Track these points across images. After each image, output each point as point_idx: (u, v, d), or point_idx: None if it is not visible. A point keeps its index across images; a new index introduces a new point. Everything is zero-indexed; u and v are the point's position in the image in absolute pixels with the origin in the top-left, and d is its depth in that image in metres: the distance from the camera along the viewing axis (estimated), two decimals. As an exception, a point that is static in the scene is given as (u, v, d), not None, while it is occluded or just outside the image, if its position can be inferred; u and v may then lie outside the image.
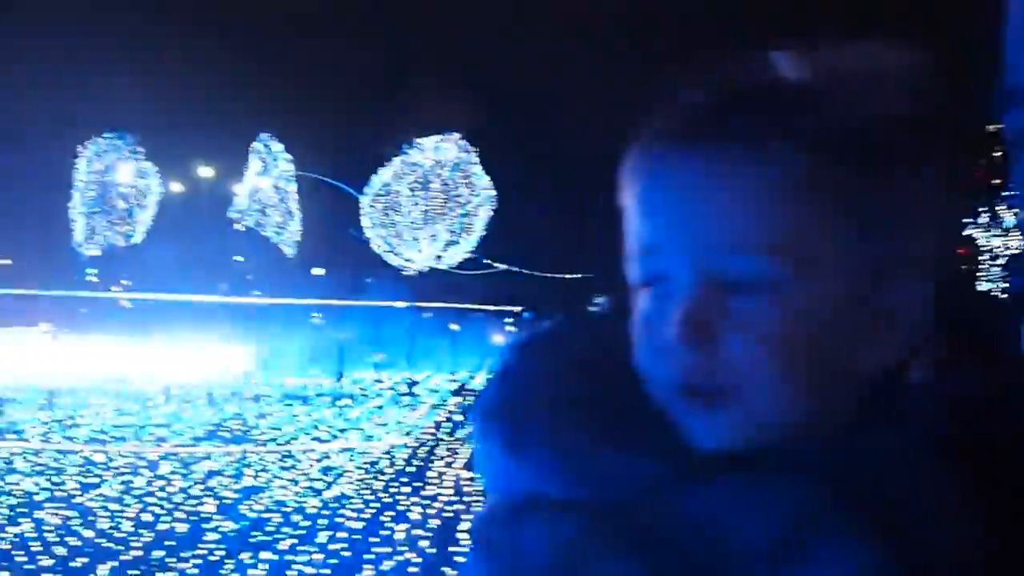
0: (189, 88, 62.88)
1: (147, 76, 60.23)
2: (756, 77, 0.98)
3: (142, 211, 55.58)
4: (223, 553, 11.70)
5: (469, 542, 1.01)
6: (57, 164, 55.93)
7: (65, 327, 40.99)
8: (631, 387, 0.99)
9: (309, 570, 11.13)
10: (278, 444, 18.85)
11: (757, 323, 0.93)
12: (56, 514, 13.16)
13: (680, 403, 0.97)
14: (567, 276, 58.90)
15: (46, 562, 11.14)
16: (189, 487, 15.09)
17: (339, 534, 12.69)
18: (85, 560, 11.23)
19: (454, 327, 36.15)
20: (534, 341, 1.07)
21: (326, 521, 13.33)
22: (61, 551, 11.59)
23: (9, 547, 11.61)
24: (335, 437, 19.93)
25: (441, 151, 55.08)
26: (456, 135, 56.23)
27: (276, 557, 11.55)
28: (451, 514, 14.03)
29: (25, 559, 11.16)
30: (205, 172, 56.74)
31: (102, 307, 49.48)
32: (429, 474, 16.61)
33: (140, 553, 11.60)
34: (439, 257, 56.69)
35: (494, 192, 57.38)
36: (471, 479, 16.34)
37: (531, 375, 1.02)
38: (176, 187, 56.06)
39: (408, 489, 15.46)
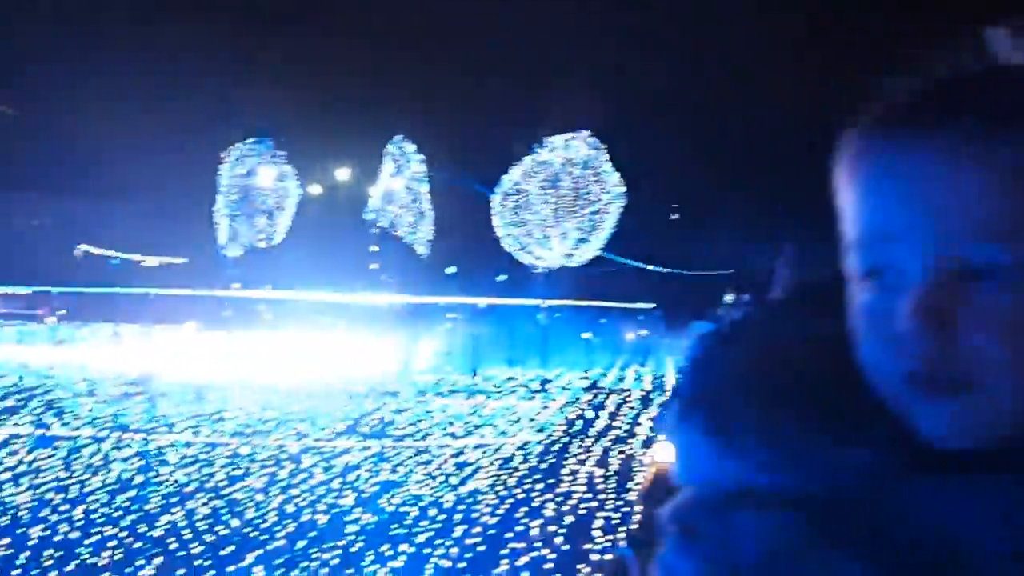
0: (325, 93, 64.75)
1: (286, 82, 62.30)
2: (992, 57, 0.93)
3: (282, 213, 57.56)
4: (362, 545, 11.96)
5: (668, 530, 0.96)
6: (201, 169, 58.50)
7: (211, 325, 42.81)
8: (846, 376, 0.94)
9: (445, 563, 11.26)
10: (414, 440, 19.16)
11: (999, 311, 0.88)
12: (206, 504, 13.71)
13: (913, 393, 0.91)
14: (701, 273, 57.97)
15: (197, 549, 11.62)
16: (330, 480, 15.49)
17: (474, 529, 12.80)
18: (232, 548, 11.66)
19: (586, 335, 36.07)
20: (732, 329, 1.05)
21: (461, 516, 13.46)
22: (210, 539, 12.07)
23: (162, 534, 12.16)
24: (469, 433, 20.12)
25: (571, 149, 55.04)
26: (586, 133, 56.08)
27: (413, 550, 11.73)
28: (585, 511, 13.98)
29: (177, 546, 11.67)
30: (341, 174, 58.38)
31: (246, 306, 51.47)
32: (562, 471, 16.59)
33: (284, 543, 11.98)
34: (570, 255, 56.67)
35: (624, 189, 56.98)
36: (604, 477, 16.24)
37: (734, 363, 1.00)
38: (314, 189, 57.87)
39: (541, 486, 15.48)
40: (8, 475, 14.98)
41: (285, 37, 64.35)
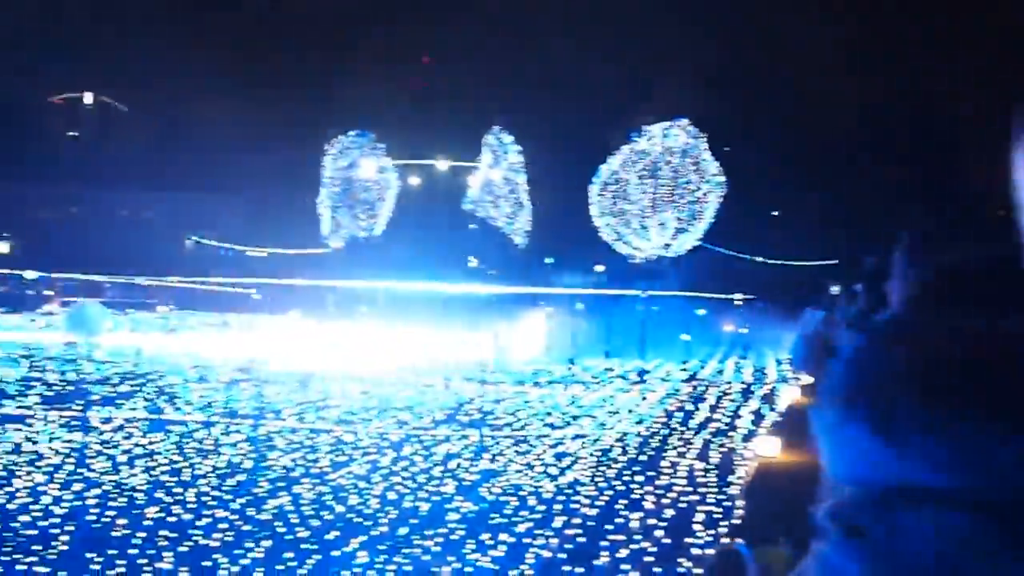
0: (424, 85, 65.40)
1: (386, 76, 63.12)
2: None
3: (382, 205, 58.43)
4: (463, 532, 12.07)
5: (830, 527, 0.92)
6: (305, 162, 59.77)
7: (315, 315, 43.73)
8: (1018, 370, 0.88)
9: (546, 554, 11.28)
10: (512, 429, 19.23)
11: None
12: (311, 489, 14.02)
13: None
14: (802, 263, 56.65)
15: (303, 534, 11.90)
16: (430, 468, 15.66)
17: (574, 520, 12.79)
18: (337, 534, 11.90)
19: (685, 328, 35.63)
20: (889, 326, 1.01)
21: (561, 506, 13.46)
22: (316, 523, 12.34)
23: (270, 518, 12.49)
24: (568, 424, 20.10)
25: (670, 137, 54.42)
26: (685, 121, 55.33)
27: (514, 539, 11.78)
28: (686, 505, 13.83)
29: (284, 530, 11.97)
30: (440, 166, 58.91)
31: (348, 296, 52.43)
32: (662, 464, 16.44)
33: (386, 529, 12.17)
34: (668, 245, 56.05)
35: (723, 178, 56.04)
36: (704, 470, 16.04)
37: (896, 360, 0.95)
38: (413, 180, 58.57)
39: (641, 478, 15.37)
40: (124, 458, 15.58)
41: (385, 31, 65.18)
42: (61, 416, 18.83)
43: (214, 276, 52.48)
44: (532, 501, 13.78)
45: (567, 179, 58.33)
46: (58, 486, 13.65)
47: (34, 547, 10.94)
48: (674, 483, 15.11)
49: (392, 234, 56.42)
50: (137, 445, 16.56)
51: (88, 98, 78.31)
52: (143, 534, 11.52)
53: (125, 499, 13.14)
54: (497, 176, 54.97)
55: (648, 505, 13.73)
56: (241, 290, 50.18)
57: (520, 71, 64.18)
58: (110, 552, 10.73)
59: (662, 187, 54.90)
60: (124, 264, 53.49)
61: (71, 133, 79.01)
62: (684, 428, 20.06)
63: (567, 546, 11.64)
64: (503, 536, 11.92)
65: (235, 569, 10.43)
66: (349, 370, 28.44)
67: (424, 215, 57.50)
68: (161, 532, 11.64)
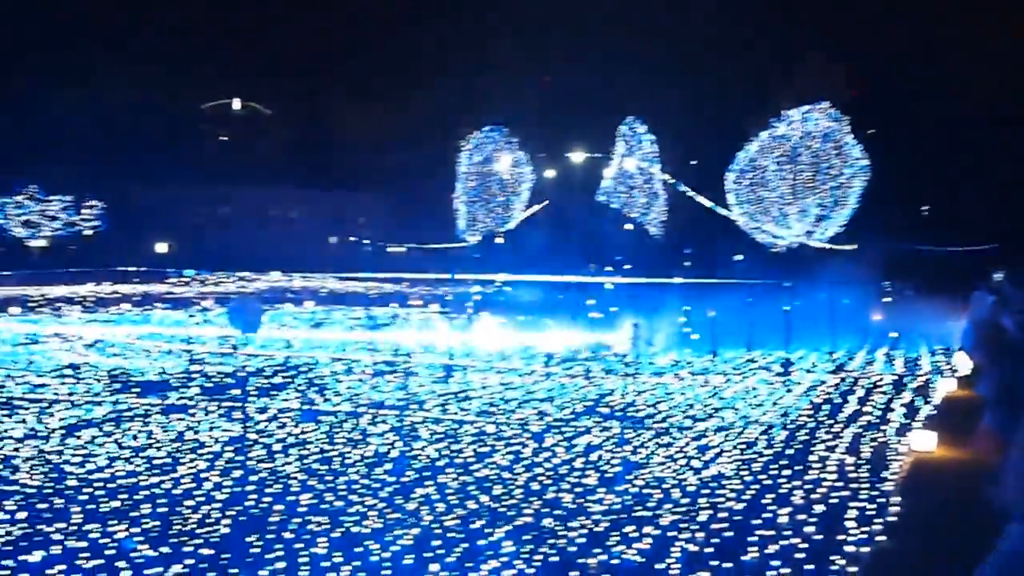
0: (557, 77, 65.47)
1: (519, 69, 63.50)
2: None
3: (518, 198, 58.86)
4: (607, 524, 12.05)
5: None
6: (441, 158, 60.77)
7: (453, 308, 44.43)
8: None
9: (692, 548, 11.14)
10: (654, 421, 19.08)
11: None
12: (456, 479, 14.27)
13: None
14: (956, 248, 54.06)
15: (450, 521, 12.12)
16: (572, 460, 15.70)
17: (720, 514, 12.58)
18: (482, 523, 12.08)
19: (830, 307, 34.49)
20: None
21: (706, 500, 13.27)
22: (461, 512, 12.56)
23: (416, 507, 12.78)
24: (710, 416, 19.80)
25: (810, 122, 52.84)
26: (826, 104, 53.62)
27: (659, 532, 11.69)
28: (837, 500, 13.41)
29: (431, 519, 12.22)
30: (574, 157, 58.92)
31: (485, 290, 53.07)
32: (811, 458, 16.00)
33: (531, 520, 12.27)
34: (809, 232, 54.44)
35: (867, 162, 53.94)
36: (855, 464, 15.52)
37: None
38: (548, 173, 58.77)
39: (789, 472, 14.99)
40: (279, 446, 16.22)
41: (515, 26, 65.58)
42: (220, 406, 19.76)
43: (355, 271, 54.00)
44: (676, 494, 13.64)
45: (703, 167, 57.40)
46: (218, 473, 14.34)
47: (198, 531, 11.52)
48: (823, 478, 14.68)
49: (527, 227, 56.76)
50: (290, 434, 17.22)
51: (236, 103, 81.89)
52: (298, 520, 11.98)
53: (280, 486, 13.68)
54: (631, 166, 54.57)
55: (797, 500, 13.39)
56: (384, 285, 51.47)
57: (652, 58, 63.46)
58: (268, 537, 11.20)
59: (802, 173, 53.41)
60: (273, 261, 55.66)
61: (221, 137, 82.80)
62: (832, 421, 19.47)
63: (713, 540, 11.46)
64: (647, 529, 11.85)
65: (386, 555, 10.72)
66: (489, 361, 28.81)
67: (559, 207, 57.61)
68: (315, 518, 12.07)
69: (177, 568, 10.04)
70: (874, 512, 12.72)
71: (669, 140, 58.28)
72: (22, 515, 11.94)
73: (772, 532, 11.76)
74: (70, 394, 20.94)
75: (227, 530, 11.51)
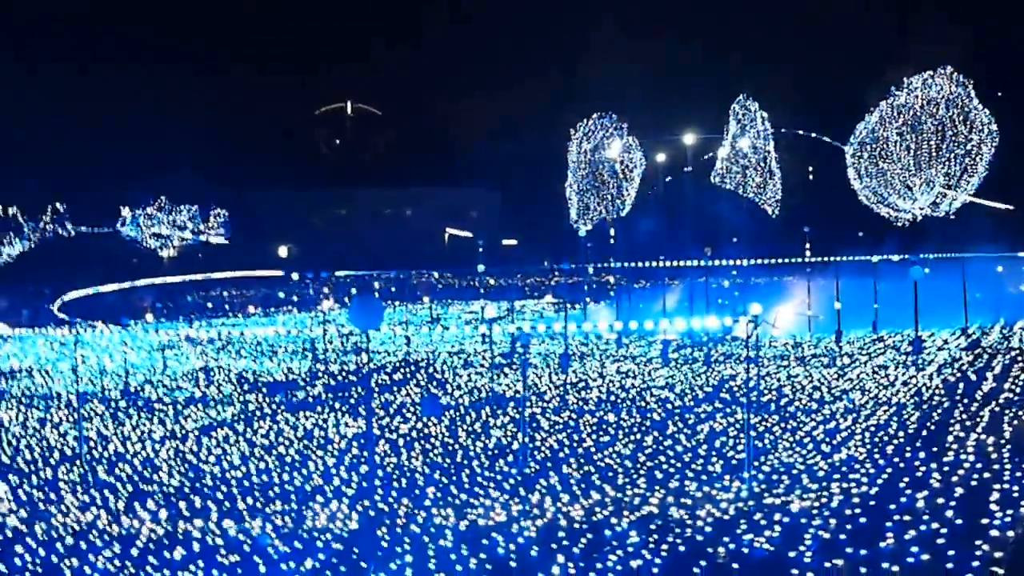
0: (664, 59, 64.52)
1: (625, 53, 62.84)
2: None
3: (629, 184, 58.28)
4: (735, 512, 11.80)
5: None
6: (553, 148, 60.68)
7: (565, 297, 44.30)
8: None
9: (824, 535, 10.79)
10: (779, 406, 18.62)
11: None
12: (579, 469, 14.21)
13: None
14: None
15: (574, 512, 12.08)
16: (696, 447, 15.45)
17: (853, 499, 12.16)
18: (607, 513, 11.99)
19: (961, 282, 32.89)
20: None
21: (837, 485, 12.85)
22: (585, 503, 12.49)
23: (539, 498, 12.75)
24: (837, 399, 19.20)
25: (932, 88, 50.63)
26: (949, 69, 51.29)
27: (788, 519, 11.37)
28: (976, 483, 12.81)
29: (554, 510, 12.20)
30: (686, 139, 57.95)
31: (597, 279, 52.73)
32: (947, 439, 15.33)
33: (656, 509, 12.11)
34: (935, 204, 52.29)
35: (996, 127, 51.45)
36: (995, 445, 14.80)
37: None
38: (659, 157, 57.97)
39: (924, 454, 14.40)
40: (403, 441, 16.47)
41: (619, 10, 64.87)
42: (345, 404, 20.20)
43: (470, 265, 54.45)
44: (805, 480, 13.27)
45: (819, 142, 55.68)
46: (346, 468, 14.64)
47: (329, 526, 11.79)
48: (962, 460, 14.05)
49: (641, 213, 56.17)
50: (414, 428, 17.46)
51: (348, 108, 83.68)
52: (423, 513, 12.12)
53: (406, 480, 13.89)
54: (745, 145, 53.34)
55: (934, 483, 12.84)
56: (497, 280, 51.77)
57: (762, 33, 61.83)
58: (396, 531, 11.37)
59: (926, 142, 51.22)
60: (390, 259, 56.61)
61: (336, 141, 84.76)
62: (969, 400, 18.63)
63: (847, 527, 11.09)
64: (777, 516, 11.55)
65: (512, 547, 10.74)
66: (607, 351, 28.65)
67: (673, 191, 56.80)
68: (440, 512, 12.20)
69: (310, 563, 10.29)
70: (1019, 494, 12.09)
71: (783, 116, 56.74)
72: (163, 514, 12.45)
73: (910, 517, 11.31)
74: (203, 395, 21.75)
75: (356, 525, 11.74)
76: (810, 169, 56.84)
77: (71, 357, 25.50)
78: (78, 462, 15.47)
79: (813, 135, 56.65)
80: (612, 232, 55.61)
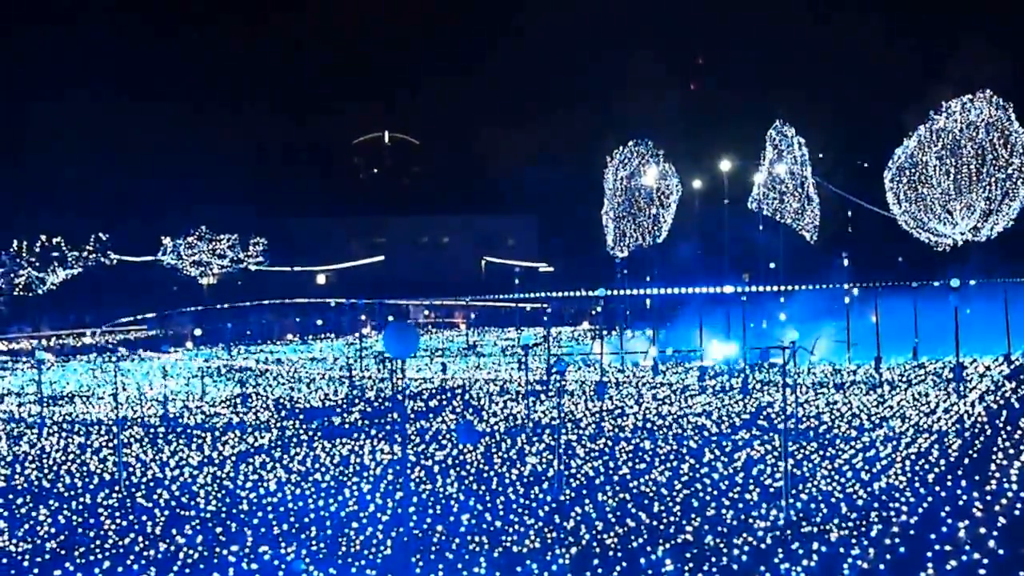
0: (700, 87, 64.61)
1: (661, 82, 62.99)
2: None
3: (666, 211, 58.19)
4: (771, 541, 11.66)
5: None
6: (589, 175, 60.85)
7: (605, 325, 44.18)
8: None
9: (863, 564, 10.64)
10: (816, 432, 18.41)
11: None
12: (614, 497, 14.13)
13: None
14: None
15: (609, 540, 12.00)
16: (733, 475, 15.31)
17: (892, 528, 11.98)
18: (642, 541, 11.90)
19: (1005, 307, 32.33)
20: None
21: (876, 514, 12.67)
22: (620, 531, 12.41)
23: (573, 525, 12.70)
24: (877, 426, 18.95)
25: (971, 112, 50.13)
26: (988, 92, 50.80)
27: (826, 549, 11.23)
28: (1020, 511, 12.56)
29: (588, 537, 12.13)
30: (722, 166, 57.80)
31: (635, 305, 52.61)
32: (990, 467, 15.07)
33: (691, 537, 12.00)
34: (976, 229, 51.65)
35: (1038, 151, 50.80)
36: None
37: None
38: (696, 183, 57.86)
39: (966, 483, 14.17)
40: (438, 468, 16.48)
41: (655, 38, 65.14)
42: (381, 430, 20.27)
43: (507, 292, 54.58)
44: (844, 508, 13.09)
45: (858, 168, 55.35)
46: (381, 494, 14.68)
47: (364, 551, 11.82)
48: (1005, 489, 13.80)
49: (677, 240, 56.01)
50: (449, 455, 17.47)
51: (386, 137, 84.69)
52: (457, 540, 12.11)
53: (441, 507, 13.89)
54: (782, 171, 53.10)
55: (976, 513, 12.62)
56: (534, 305, 51.84)
57: (799, 58, 61.74)
58: (430, 557, 11.37)
59: (966, 167, 50.66)
60: (426, 287, 56.89)
61: (373, 170, 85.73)
62: (1014, 428, 18.30)
63: (887, 556, 10.92)
64: (815, 545, 11.40)
65: (546, 574, 10.70)
66: (643, 377, 28.52)
67: (708, 217, 56.63)
68: (475, 538, 12.18)
69: (344, 588, 10.32)
70: (1065, 524, 11.86)
71: (820, 142, 56.49)
72: (200, 539, 12.55)
73: (950, 547, 11.12)
74: (240, 422, 21.93)
75: (390, 551, 11.76)
76: (848, 195, 56.43)
77: (112, 383, 25.87)
78: (117, 487, 15.64)
79: (851, 160, 56.31)
80: (651, 257, 55.39)
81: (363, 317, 50.34)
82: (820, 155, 56.13)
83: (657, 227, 57.50)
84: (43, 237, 60.03)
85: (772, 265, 47.73)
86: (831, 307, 37.74)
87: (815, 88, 59.41)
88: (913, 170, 51.87)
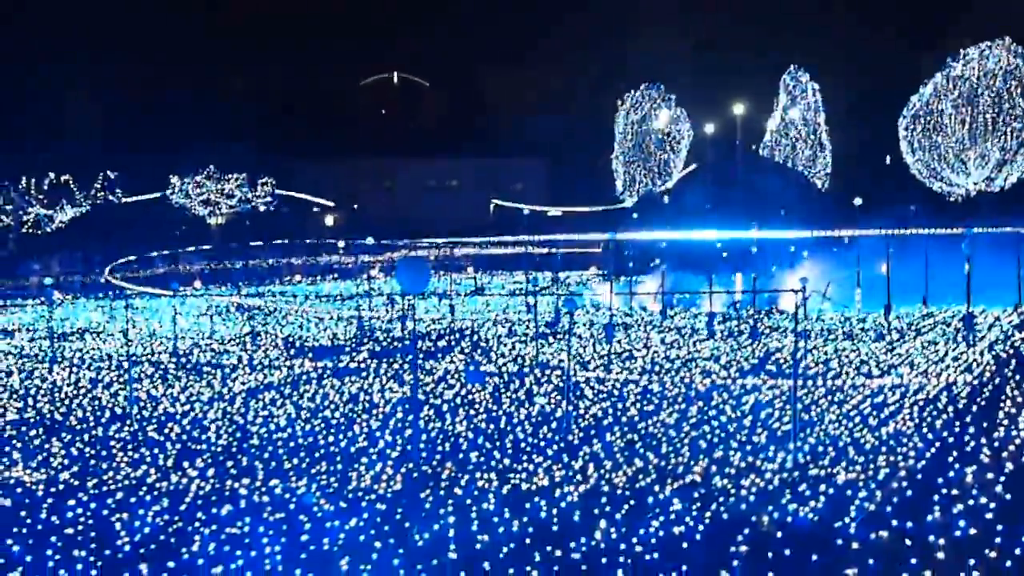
0: (712, 30, 63.68)
1: (673, 24, 62.05)
2: None
3: (676, 156, 57.76)
4: (778, 483, 11.73)
5: None
6: (599, 119, 60.33)
7: (610, 270, 44.08)
8: None
9: (870, 507, 10.69)
10: (826, 379, 18.44)
11: None
12: (622, 437, 14.21)
13: None
14: None
15: (617, 479, 12.08)
16: (741, 418, 15.36)
17: (899, 472, 12.03)
18: (650, 480, 11.98)
19: (1016, 257, 32.12)
20: None
21: (884, 458, 12.71)
22: (628, 470, 12.49)
23: (582, 464, 12.78)
24: (886, 373, 18.96)
25: (990, 60, 49.39)
26: (1008, 40, 50.01)
27: (833, 491, 11.28)
28: (1028, 459, 12.61)
29: (596, 476, 12.22)
30: (734, 110, 57.19)
31: (640, 251, 52.46)
32: (997, 415, 15.09)
33: (699, 478, 12.07)
34: (990, 179, 51.21)
35: (1056, 101, 50.13)
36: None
37: None
38: (708, 128, 57.31)
39: (973, 429, 14.20)
40: (446, 407, 16.57)
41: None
42: (390, 369, 20.36)
43: (516, 235, 54.46)
44: (852, 452, 13.14)
45: (872, 114, 54.74)
46: (390, 432, 14.77)
47: (374, 486, 11.92)
48: (1012, 436, 13.83)
49: (687, 185, 55.69)
50: (458, 395, 17.55)
51: (394, 78, 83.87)
52: (466, 477, 12.20)
53: (449, 444, 13.98)
54: (795, 117, 52.59)
55: (984, 459, 12.66)
56: (542, 249, 51.72)
57: (814, 2, 60.79)
58: (440, 493, 11.46)
59: (982, 116, 50.07)
60: (434, 229, 56.79)
61: (381, 111, 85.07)
62: (1020, 376, 18.30)
63: (893, 499, 10.98)
64: (822, 488, 11.46)
65: (554, 511, 10.78)
66: (651, 321, 28.53)
67: (720, 163, 56.21)
68: (484, 475, 12.27)
69: (353, 522, 10.42)
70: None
71: (835, 88, 55.81)
72: (211, 471, 12.67)
73: (957, 491, 11.17)
74: (250, 360, 22.04)
75: (399, 486, 11.85)
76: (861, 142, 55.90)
77: (121, 321, 25.97)
78: (128, 421, 15.77)
79: (866, 107, 55.68)
80: (660, 203, 55.10)
81: (371, 258, 50.34)
82: (831, 101, 55.42)
83: (667, 172, 57.07)
84: (51, 175, 59.93)
85: (783, 212, 47.36)
86: (842, 254, 37.60)
87: (832, 35, 58.53)
88: (928, 118, 51.28)
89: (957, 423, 14.69)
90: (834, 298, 27.73)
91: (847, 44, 59.60)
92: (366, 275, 44.79)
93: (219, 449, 13.95)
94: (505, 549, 9.65)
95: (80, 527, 10.49)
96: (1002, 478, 11.73)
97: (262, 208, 66.31)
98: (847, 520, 10.25)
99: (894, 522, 10.16)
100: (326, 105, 77.94)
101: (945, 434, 14.03)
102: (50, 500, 11.48)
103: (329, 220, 72.17)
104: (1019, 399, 16.26)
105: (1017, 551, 9.24)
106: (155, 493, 11.71)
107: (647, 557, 9.38)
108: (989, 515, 10.35)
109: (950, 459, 12.64)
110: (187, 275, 46.75)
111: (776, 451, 13.21)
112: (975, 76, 50.33)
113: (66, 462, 13.36)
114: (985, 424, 14.56)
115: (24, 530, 10.29)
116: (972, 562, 8.99)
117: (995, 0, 53.92)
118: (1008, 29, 50.13)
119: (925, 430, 14.31)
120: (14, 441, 14.52)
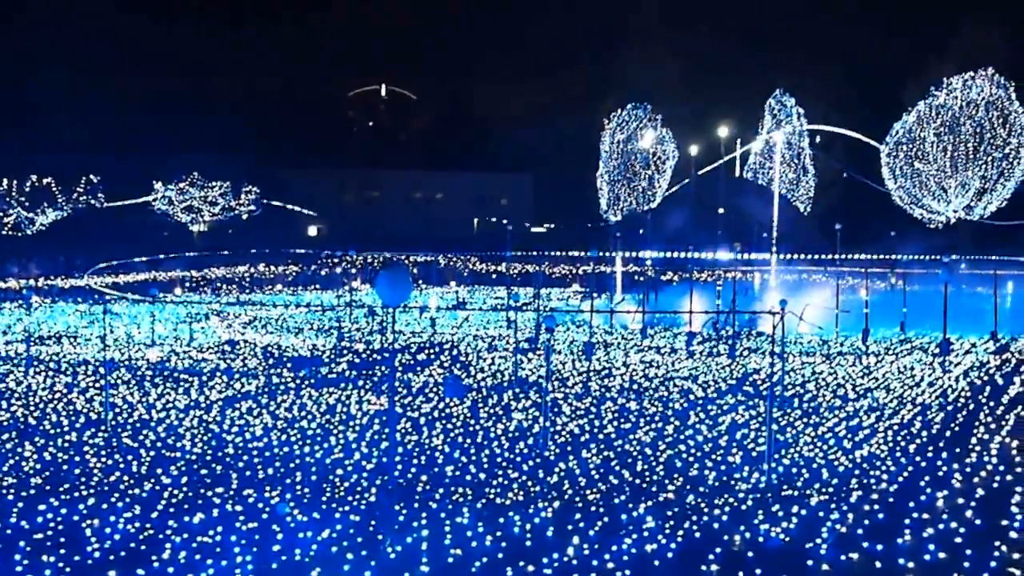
0: (700, 53, 64.22)
1: (660, 47, 62.55)
2: None
3: (661, 176, 58.06)
4: (752, 504, 11.77)
5: None
6: (586, 137, 60.59)
7: (592, 287, 44.27)
8: None
9: (841, 529, 10.76)
10: (801, 400, 18.53)
11: None
12: (598, 454, 14.23)
13: None
14: None
15: (591, 495, 12.11)
16: (716, 438, 15.42)
17: (872, 495, 12.11)
18: (624, 497, 12.00)
19: (995, 285, 32.51)
20: None
21: (856, 481, 12.80)
22: (603, 487, 12.51)
23: (557, 480, 12.80)
24: (861, 396, 19.08)
25: (972, 89, 49.98)
26: (989, 70, 50.65)
27: (806, 512, 11.34)
28: (998, 484, 12.71)
29: (571, 492, 12.23)
30: (719, 132, 57.62)
31: (626, 270, 52.68)
32: (970, 441, 15.21)
33: (673, 496, 12.11)
34: (970, 207, 51.74)
35: (1036, 132, 50.69)
36: (1020, 448, 14.67)
37: None
38: (692, 150, 57.69)
39: (946, 454, 14.31)
40: (423, 420, 16.55)
41: (659, 2, 64.63)
42: (368, 381, 20.32)
43: (499, 251, 54.58)
44: (825, 474, 13.22)
45: (856, 141, 55.25)
46: (367, 444, 14.75)
47: (348, 497, 11.89)
48: (985, 461, 13.94)
49: (671, 205, 55.99)
50: (436, 408, 17.54)
51: (383, 90, 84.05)
52: (441, 490, 12.20)
53: (426, 458, 13.97)
54: (779, 140, 53.00)
55: (955, 484, 12.76)
56: (526, 264, 51.81)
57: (801, 29, 61.41)
58: (415, 506, 11.45)
59: (963, 144, 50.64)
60: (419, 242, 56.87)
61: (369, 123, 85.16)
62: (995, 403, 18.45)
63: (864, 522, 11.05)
64: (795, 508, 11.52)
65: (528, 527, 10.79)
66: (631, 340, 28.61)
67: (702, 185, 56.56)
68: (459, 489, 12.26)
69: (327, 532, 10.39)
70: (1042, 498, 11.99)
71: (819, 113, 56.41)
72: (184, 480, 12.61)
73: (928, 515, 11.25)
74: (228, 368, 21.95)
75: (374, 498, 11.83)
76: (843, 171, 56.42)
77: (100, 326, 25.82)
78: (103, 427, 15.68)
79: (849, 133, 56.22)
80: (643, 222, 55.39)
81: (353, 269, 50.29)
82: (819, 127, 55.98)
83: (652, 192, 57.37)
84: (34, 177, 59.60)
85: (765, 235, 47.67)
86: (822, 279, 37.85)
87: (818, 61, 59.12)
88: (911, 145, 51.81)
89: (930, 448, 14.79)
90: (812, 321, 27.92)
91: (834, 71, 60.23)
92: (347, 286, 44.72)
93: (193, 457, 13.89)
94: (478, 563, 9.65)
95: (50, 532, 10.41)
96: (973, 504, 11.82)
97: (245, 216, 66.17)
98: (818, 541, 10.31)
99: (865, 544, 10.22)
100: (313, 116, 78.06)
101: (918, 458, 14.12)
102: (20, 504, 11.39)
103: (312, 230, 72.08)
104: (992, 425, 16.40)
105: (985, 576, 9.32)
106: (127, 499, 11.65)
107: (619, 574, 9.41)
108: (959, 539, 10.43)
109: (922, 483, 12.72)
110: (167, 282, 46.55)
111: (751, 471, 13.26)
112: (958, 106, 50.91)
113: (38, 466, 13.26)
114: (958, 450, 14.66)
115: (-7, 534, 10.21)
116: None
117: (978, 31, 54.62)
118: (991, 59, 50.79)
119: (899, 454, 14.40)
120: (-14, 444, 14.40)
